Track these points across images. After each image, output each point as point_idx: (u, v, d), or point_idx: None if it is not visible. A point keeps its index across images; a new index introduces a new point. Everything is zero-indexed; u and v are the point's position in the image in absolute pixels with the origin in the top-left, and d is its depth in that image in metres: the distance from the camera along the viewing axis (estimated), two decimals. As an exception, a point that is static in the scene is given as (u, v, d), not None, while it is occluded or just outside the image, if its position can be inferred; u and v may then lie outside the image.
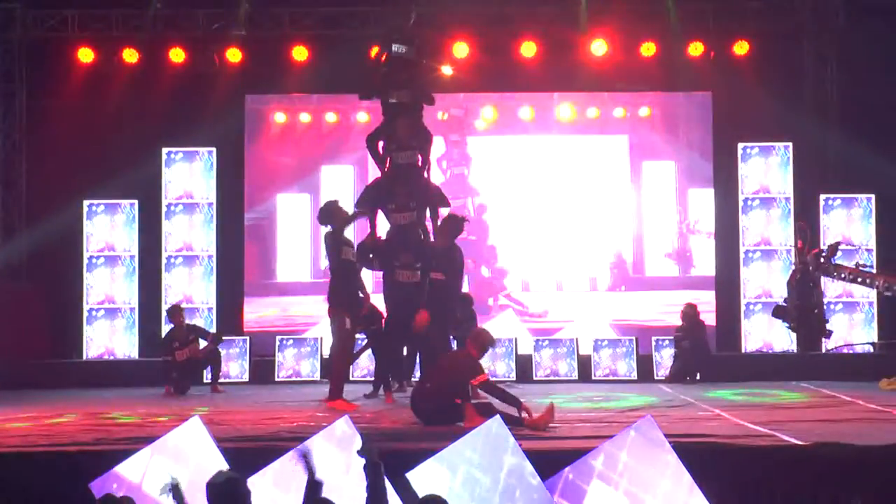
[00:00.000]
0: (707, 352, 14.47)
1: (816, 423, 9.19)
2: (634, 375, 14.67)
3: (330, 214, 10.99)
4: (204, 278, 15.51)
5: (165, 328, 14.82)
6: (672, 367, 14.32)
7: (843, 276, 12.86)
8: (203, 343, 13.61)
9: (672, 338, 14.43)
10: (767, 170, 15.53)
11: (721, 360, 15.02)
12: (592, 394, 12.65)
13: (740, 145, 15.57)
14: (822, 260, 12.70)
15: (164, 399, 12.75)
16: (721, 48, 15.74)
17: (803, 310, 12.78)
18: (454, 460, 6.44)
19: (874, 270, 13.41)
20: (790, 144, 15.54)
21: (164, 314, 15.01)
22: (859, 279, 12.79)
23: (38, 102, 15.91)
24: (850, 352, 15.08)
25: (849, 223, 15.36)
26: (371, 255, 11.50)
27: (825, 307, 13.60)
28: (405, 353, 12.24)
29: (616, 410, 10.87)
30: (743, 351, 15.37)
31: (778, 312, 13.30)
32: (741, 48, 15.64)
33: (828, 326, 13.43)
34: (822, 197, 15.42)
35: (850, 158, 15.20)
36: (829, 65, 15.75)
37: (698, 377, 14.08)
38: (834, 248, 12.80)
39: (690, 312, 14.32)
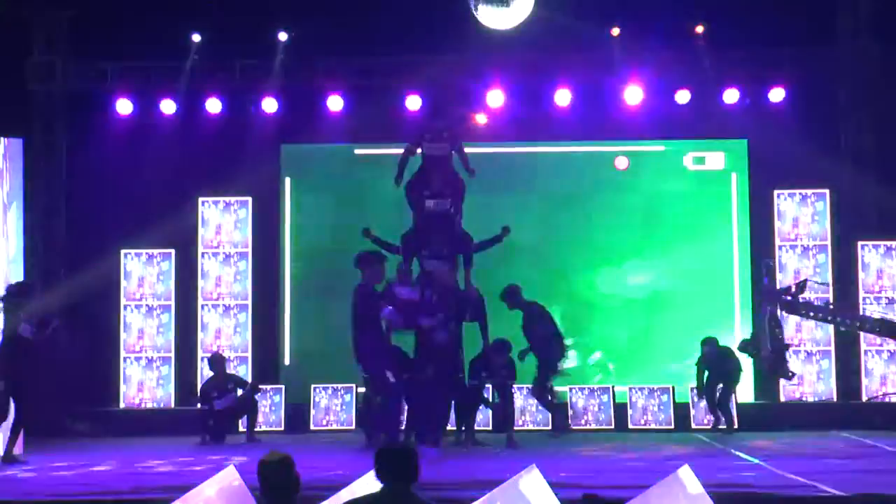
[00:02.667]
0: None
1: (858, 474, 9.07)
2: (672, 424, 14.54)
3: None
4: (240, 327, 15.55)
5: (203, 376, 14.89)
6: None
7: (811, 314, 12.52)
8: (240, 391, 13.69)
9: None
10: (804, 217, 15.45)
11: (759, 408, 14.90)
12: (628, 442, 12.57)
13: (776, 192, 15.51)
14: (788, 297, 12.33)
15: (200, 447, 12.76)
16: (756, 95, 15.72)
17: (775, 350, 12.36)
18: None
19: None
20: (826, 192, 15.46)
21: (199, 362, 15.09)
22: (829, 317, 12.50)
23: (77, 152, 16.08)
24: (891, 401, 14.87)
25: (887, 270, 15.21)
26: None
27: (789, 348, 13.00)
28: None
29: (654, 459, 10.79)
30: (781, 400, 15.20)
31: (743, 347, 12.97)
32: (777, 95, 15.62)
33: (791, 368, 12.90)
34: (860, 244, 15.30)
35: (888, 205, 15.09)
36: (866, 111, 15.67)
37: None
38: (802, 286, 12.44)
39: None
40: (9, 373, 11.24)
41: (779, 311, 12.30)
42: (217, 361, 14.00)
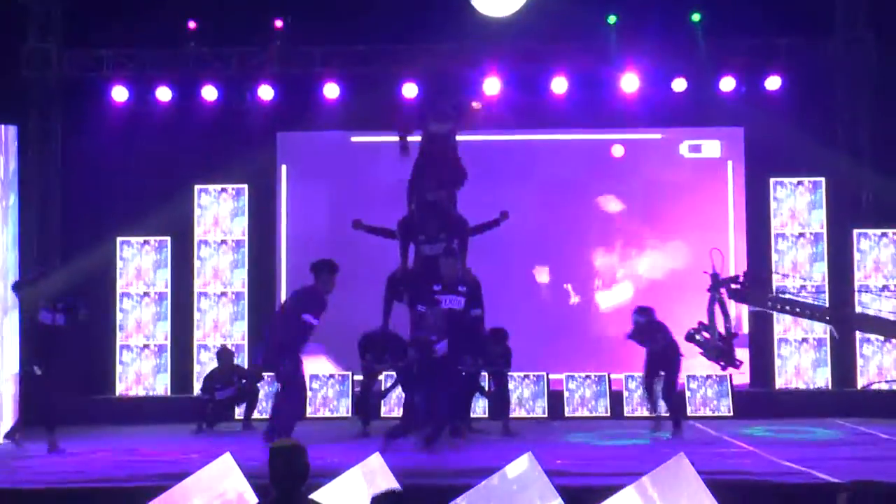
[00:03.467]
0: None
1: (853, 461, 9.10)
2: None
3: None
4: (236, 315, 15.55)
5: (197, 366, 14.93)
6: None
7: (777, 306, 12.23)
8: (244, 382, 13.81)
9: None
10: (799, 205, 15.48)
11: (754, 396, 14.94)
12: (624, 430, 12.58)
13: (772, 181, 15.52)
14: (734, 287, 12.01)
15: (196, 435, 12.76)
16: (753, 83, 15.71)
17: (723, 338, 12.10)
18: (486, 498, 6.40)
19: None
20: (822, 180, 15.48)
21: (195, 350, 15.12)
22: (798, 309, 12.10)
23: (73, 140, 16.04)
24: (888, 388, 14.90)
25: (883, 258, 15.25)
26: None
27: (735, 336, 12.49)
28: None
29: (648, 447, 10.81)
30: (776, 387, 15.24)
31: (689, 337, 12.42)
32: (773, 83, 15.61)
33: (737, 356, 12.45)
34: (856, 232, 15.33)
35: (884, 194, 15.10)
36: (862, 100, 15.67)
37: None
38: (751, 276, 12.22)
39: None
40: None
41: (727, 300, 12.03)
42: (224, 355, 14.11)
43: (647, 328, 12.71)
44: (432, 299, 11.37)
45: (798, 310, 12.34)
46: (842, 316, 11.56)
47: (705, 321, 12.21)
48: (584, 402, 14.80)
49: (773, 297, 12.01)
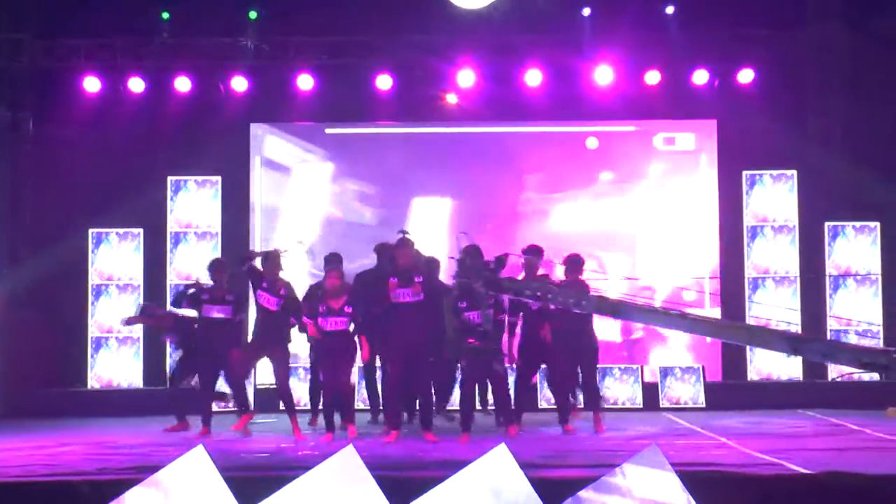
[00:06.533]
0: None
1: (824, 452, 9.15)
2: (640, 403, 14.62)
3: None
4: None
5: (169, 359, 14.77)
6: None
7: (515, 290, 10.28)
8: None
9: None
10: (772, 197, 15.55)
11: (727, 387, 15.02)
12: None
13: (745, 173, 15.59)
14: (486, 274, 10.36)
15: (169, 429, 12.55)
16: (726, 76, 15.77)
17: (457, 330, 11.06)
18: (460, 490, 6.40)
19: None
20: (795, 172, 15.56)
21: (168, 342, 14.85)
22: (539, 293, 9.82)
23: (44, 131, 15.94)
24: (858, 379, 15.01)
25: (854, 250, 15.36)
26: None
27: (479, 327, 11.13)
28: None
29: (622, 439, 10.84)
30: (748, 379, 15.32)
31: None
32: (746, 76, 15.68)
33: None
34: (828, 224, 15.42)
35: (856, 186, 15.20)
36: (834, 92, 15.75)
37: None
38: (501, 262, 10.77)
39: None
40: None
41: (481, 288, 10.34)
42: (217, 268, 13.35)
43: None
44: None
45: (547, 295, 9.92)
46: (600, 303, 9.57)
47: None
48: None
49: (536, 286, 10.09)
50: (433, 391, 11.71)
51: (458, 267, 10.39)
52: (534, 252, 11.85)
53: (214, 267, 12.49)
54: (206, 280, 12.56)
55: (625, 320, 13.09)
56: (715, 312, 14.98)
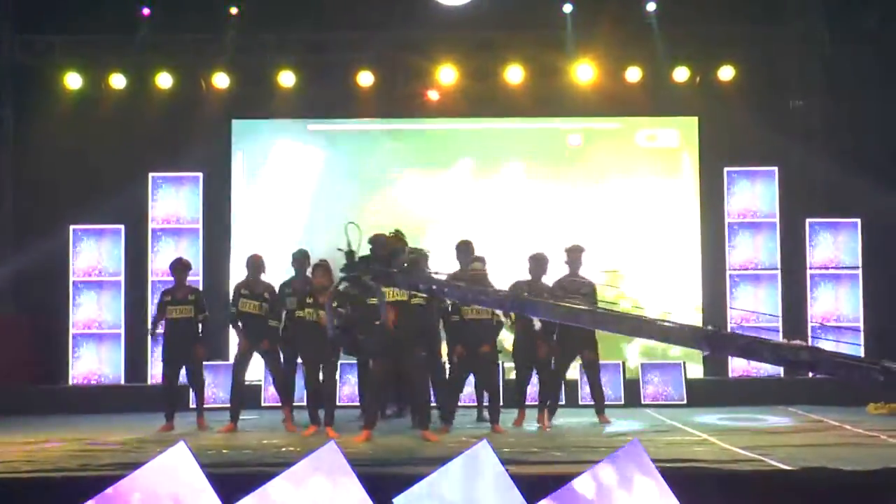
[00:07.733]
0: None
1: (804, 448, 9.19)
2: (621, 399, 14.65)
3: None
4: (190, 303, 15.43)
5: (150, 355, 14.74)
6: None
7: (409, 284, 9.02)
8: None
9: None
10: (753, 194, 15.61)
11: (708, 383, 15.06)
12: (577, 418, 12.62)
13: (726, 170, 15.64)
14: (374, 266, 9.12)
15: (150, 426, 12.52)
16: (707, 73, 15.82)
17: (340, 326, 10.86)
18: (441, 486, 6.41)
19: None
20: (776, 169, 15.62)
21: (149, 339, 14.70)
22: (434, 287, 8.51)
23: (25, 128, 15.89)
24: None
25: (835, 247, 15.43)
26: None
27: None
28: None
29: (603, 435, 10.86)
30: (730, 375, 15.37)
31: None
32: (727, 73, 15.73)
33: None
34: (808, 221, 15.48)
35: (836, 183, 15.26)
36: (815, 89, 15.82)
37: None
38: (396, 253, 9.19)
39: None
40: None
41: (370, 281, 9.00)
42: (254, 265, 13.17)
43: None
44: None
45: (474, 296, 8.89)
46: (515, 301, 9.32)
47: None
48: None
49: (425, 277, 9.11)
50: (432, 391, 11.66)
51: (346, 259, 10.10)
52: (463, 250, 12.10)
53: (176, 267, 12.48)
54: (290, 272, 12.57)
55: (531, 316, 12.88)
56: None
